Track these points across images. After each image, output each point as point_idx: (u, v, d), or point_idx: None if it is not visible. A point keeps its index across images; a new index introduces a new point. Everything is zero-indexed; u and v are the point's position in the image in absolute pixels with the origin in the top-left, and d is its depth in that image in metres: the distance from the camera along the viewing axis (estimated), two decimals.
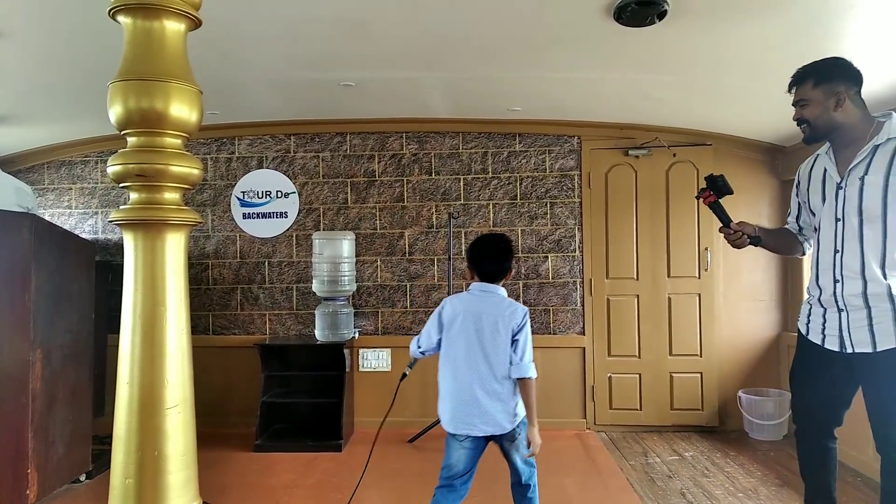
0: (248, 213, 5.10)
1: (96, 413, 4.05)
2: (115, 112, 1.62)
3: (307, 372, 4.88)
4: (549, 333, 4.92)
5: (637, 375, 4.92)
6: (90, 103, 3.95)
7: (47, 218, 4.95)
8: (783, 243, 2.77)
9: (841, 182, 2.37)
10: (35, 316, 3.28)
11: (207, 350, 4.95)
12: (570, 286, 4.94)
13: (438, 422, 4.50)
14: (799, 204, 2.65)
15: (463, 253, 4.95)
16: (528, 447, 2.63)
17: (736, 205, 4.76)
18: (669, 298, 4.90)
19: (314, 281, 4.78)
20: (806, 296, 2.60)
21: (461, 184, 5.01)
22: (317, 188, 5.08)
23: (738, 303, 4.89)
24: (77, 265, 3.72)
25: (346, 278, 4.77)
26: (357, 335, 4.94)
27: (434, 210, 5.01)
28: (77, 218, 5.19)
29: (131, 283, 1.65)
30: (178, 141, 1.68)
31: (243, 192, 5.10)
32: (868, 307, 2.30)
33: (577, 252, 4.95)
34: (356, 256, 4.96)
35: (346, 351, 4.68)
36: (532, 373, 2.58)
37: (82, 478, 3.78)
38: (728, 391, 4.85)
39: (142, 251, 1.65)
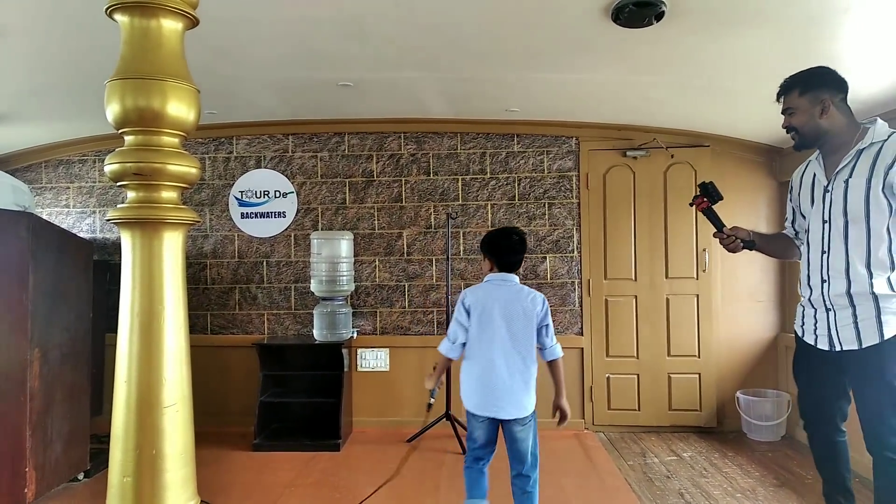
0: (247, 213, 5.10)
1: (94, 412, 4.05)
2: (112, 111, 1.62)
3: (305, 372, 4.88)
4: None
5: (635, 376, 4.93)
6: (88, 102, 3.95)
7: (45, 217, 4.95)
8: (778, 247, 2.85)
9: (828, 185, 2.47)
10: (33, 315, 3.28)
11: (206, 349, 4.95)
12: (568, 287, 4.94)
13: (437, 422, 4.54)
14: (793, 209, 2.73)
15: (462, 253, 4.95)
16: (561, 416, 2.87)
17: (734, 206, 4.82)
18: (668, 299, 4.91)
19: (312, 281, 4.78)
20: (801, 298, 2.66)
21: (459, 184, 5.01)
22: (315, 188, 5.08)
23: (736, 304, 4.90)
24: (75, 264, 3.72)
25: (344, 278, 4.77)
26: (355, 335, 4.94)
27: (432, 210, 5.01)
28: (75, 217, 5.19)
29: (129, 281, 1.65)
30: (176, 140, 1.68)
31: (241, 192, 5.10)
32: (853, 305, 2.38)
33: (576, 253, 4.95)
34: (354, 256, 4.96)
35: (344, 351, 4.68)
36: (561, 352, 2.87)
37: (80, 476, 3.78)
38: (726, 392, 4.86)
39: (139, 250, 1.65)
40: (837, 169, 2.44)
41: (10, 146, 5.10)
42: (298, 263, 5.07)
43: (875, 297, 2.34)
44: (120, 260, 1.70)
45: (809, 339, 2.56)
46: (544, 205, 4.96)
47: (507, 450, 2.83)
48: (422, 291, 5.01)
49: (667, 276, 4.91)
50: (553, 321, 4.92)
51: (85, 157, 5.20)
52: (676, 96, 4.05)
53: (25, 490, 3.20)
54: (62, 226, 4.90)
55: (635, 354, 4.93)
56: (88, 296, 3.84)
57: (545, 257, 4.95)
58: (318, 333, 4.75)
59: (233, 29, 3.01)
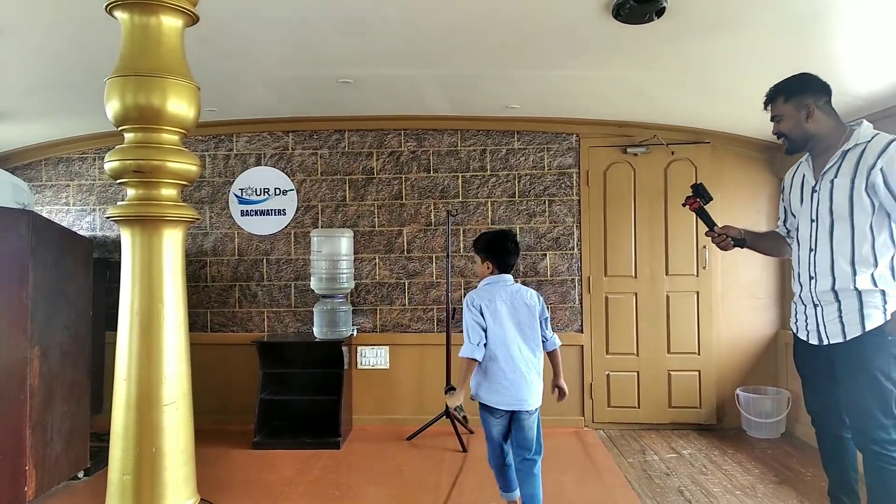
0: (247, 211, 5.09)
1: (95, 410, 4.05)
2: (112, 108, 1.62)
3: (305, 369, 4.88)
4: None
5: (635, 373, 4.93)
6: (88, 99, 3.94)
7: (45, 215, 4.95)
8: (769, 245, 2.98)
9: (816, 185, 2.57)
10: (33, 313, 3.28)
11: (206, 347, 4.95)
12: (568, 284, 4.94)
13: (437, 419, 4.54)
14: (784, 208, 2.84)
15: (462, 251, 4.95)
16: (560, 394, 3.11)
17: (735, 202, 4.83)
18: (668, 296, 4.91)
19: (312, 278, 4.78)
20: (794, 295, 2.77)
21: (459, 181, 5.00)
22: (315, 185, 5.08)
23: (736, 301, 4.89)
24: (75, 262, 3.72)
25: (344, 276, 4.77)
26: (355, 333, 4.94)
27: (432, 208, 5.01)
28: (75, 215, 5.19)
29: (129, 279, 1.65)
30: (176, 137, 1.68)
31: (241, 190, 5.10)
32: (838, 301, 2.49)
33: (576, 250, 4.95)
34: (354, 254, 4.96)
35: (344, 348, 4.68)
36: (560, 342, 3.10)
37: (80, 475, 3.78)
38: (726, 389, 4.86)
39: (139, 247, 1.65)
40: (824, 169, 2.54)
41: (9, 144, 5.09)
42: (298, 261, 5.07)
43: (858, 293, 2.44)
44: (120, 258, 1.70)
45: (802, 335, 2.67)
46: (544, 202, 4.96)
47: (514, 438, 2.96)
48: (422, 289, 5.01)
49: (667, 273, 4.90)
50: (553, 318, 4.98)
51: (85, 155, 5.20)
52: (677, 93, 4.05)
53: (25, 488, 3.20)
54: (62, 224, 4.91)
55: (635, 352, 4.93)
56: (88, 294, 3.84)
57: (545, 254, 4.95)
58: (318, 331, 4.74)
59: (233, 26, 3.01)
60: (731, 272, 4.87)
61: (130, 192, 1.67)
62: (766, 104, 2.66)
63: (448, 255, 4.69)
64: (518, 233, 4.94)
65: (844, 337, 2.47)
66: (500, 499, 3.30)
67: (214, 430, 4.73)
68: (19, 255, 3.25)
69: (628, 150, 4.92)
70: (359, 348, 4.99)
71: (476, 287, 3.06)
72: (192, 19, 1.71)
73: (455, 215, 4.90)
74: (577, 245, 4.95)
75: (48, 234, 3.48)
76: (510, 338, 2.89)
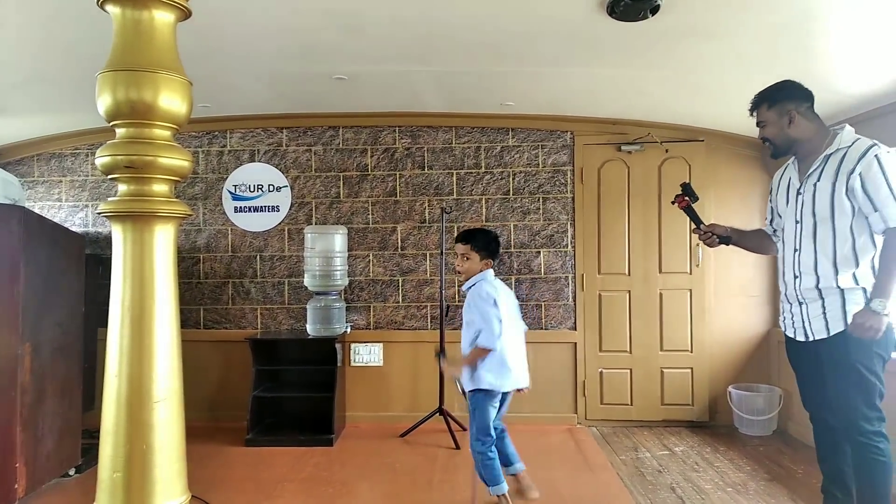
0: (240, 207, 5.07)
1: (87, 407, 4.03)
2: (103, 103, 1.61)
3: (299, 366, 4.87)
4: (541, 329, 4.93)
5: (628, 371, 4.94)
6: (80, 94, 3.91)
7: (37, 211, 4.92)
8: (754, 243, 3.10)
9: (800, 188, 2.70)
10: (24, 309, 3.26)
11: (198, 344, 4.93)
12: (562, 281, 4.95)
13: (430, 416, 4.55)
14: (772, 208, 2.96)
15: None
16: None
17: (728, 199, 4.85)
18: (661, 294, 4.92)
19: (306, 275, 4.77)
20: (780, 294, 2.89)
21: (454, 178, 5.00)
22: (309, 182, 5.06)
23: (728, 299, 4.91)
24: (67, 258, 3.70)
25: (338, 273, 4.76)
26: (349, 330, 4.94)
27: (427, 205, 5.00)
28: (67, 211, 5.16)
29: (120, 275, 1.64)
30: (168, 133, 1.67)
31: (235, 186, 5.08)
32: (822, 298, 2.61)
33: (570, 247, 4.95)
34: (348, 251, 4.95)
35: (337, 345, 4.67)
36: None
37: (72, 472, 3.76)
38: (718, 387, 4.87)
39: (130, 243, 1.64)
40: (808, 172, 2.66)
41: (1, 139, 5.05)
42: (292, 258, 5.05)
43: (841, 291, 2.55)
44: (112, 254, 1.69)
45: (790, 333, 2.79)
46: (539, 199, 4.96)
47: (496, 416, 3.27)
48: (416, 286, 5.00)
49: (660, 271, 4.91)
50: (547, 316, 5.00)
51: (77, 151, 5.17)
52: (671, 91, 4.05)
53: (15, 486, 3.18)
54: (54, 220, 4.87)
55: (628, 349, 4.94)
56: (80, 290, 3.82)
57: (539, 252, 4.95)
58: (311, 328, 4.73)
59: (226, 21, 2.99)
60: (724, 270, 4.89)
61: (122, 187, 1.66)
62: (750, 111, 2.77)
63: (442, 252, 4.68)
64: (512, 230, 4.95)
65: (828, 332, 2.58)
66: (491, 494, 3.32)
67: (207, 427, 4.72)
68: (10, 251, 3.23)
69: (622, 147, 4.92)
70: (352, 345, 4.98)
71: (469, 282, 3.25)
72: (185, 14, 1.70)
73: (449, 212, 4.90)
74: (571, 242, 4.95)
75: (40, 230, 3.46)
76: (511, 327, 3.20)
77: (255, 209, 5.07)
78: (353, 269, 5.01)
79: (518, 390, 3.25)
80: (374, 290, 5.02)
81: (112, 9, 1.62)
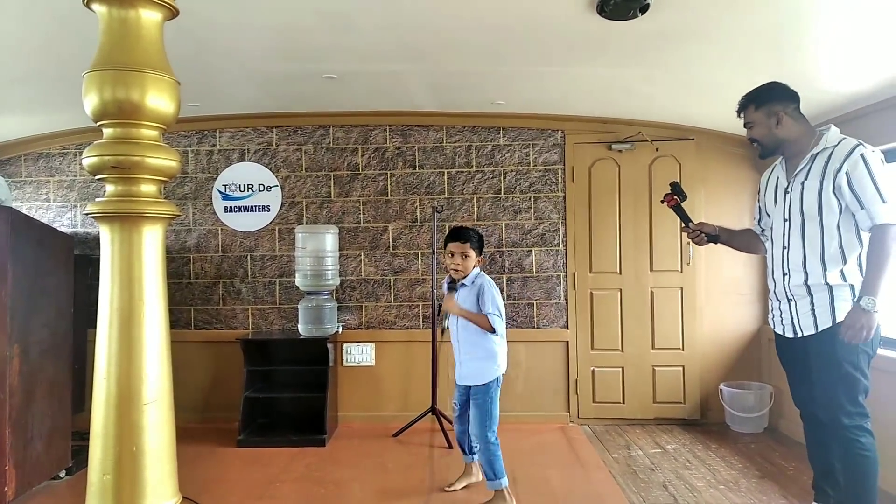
0: (230, 207, 5.05)
1: (77, 409, 4.01)
2: (90, 102, 1.60)
3: (290, 367, 4.85)
4: (533, 327, 4.93)
5: (620, 369, 4.95)
6: (68, 94, 3.87)
7: (24, 211, 4.88)
8: (743, 242, 3.14)
9: (788, 187, 2.76)
10: (12, 311, 3.23)
11: (189, 345, 4.91)
12: (553, 280, 4.95)
13: (423, 416, 4.54)
14: (760, 208, 3.01)
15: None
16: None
17: (718, 198, 4.86)
18: (652, 292, 4.93)
19: (297, 275, 4.75)
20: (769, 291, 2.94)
21: (445, 177, 5.00)
22: (299, 181, 5.04)
23: (719, 297, 4.93)
24: (55, 259, 3.67)
25: (329, 272, 4.74)
26: (340, 330, 4.92)
27: (418, 204, 5.00)
28: (55, 211, 5.12)
29: (108, 276, 1.63)
30: (156, 132, 1.66)
31: (225, 186, 5.05)
32: (810, 295, 2.66)
33: (561, 246, 4.96)
34: (339, 250, 4.93)
35: (329, 345, 4.66)
36: None
37: (62, 474, 3.74)
38: (710, 384, 4.89)
39: (118, 244, 1.63)
40: (796, 172, 2.73)
41: None
42: (283, 258, 5.04)
43: (829, 288, 2.60)
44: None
45: (779, 330, 2.85)
46: (530, 198, 4.96)
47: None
48: (407, 285, 5.00)
49: (651, 270, 4.93)
50: (539, 314, 5.00)
51: (66, 151, 5.13)
52: (661, 89, 4.06)
53: (5, 489, 3.16)
54: (42, 220, 4.83)
55: (620, 347, 4.95)
56: (69, 291, 3.80)
57: (531, 251, 4.96)
58: (302, 328, 4.72)
59: (215, 19, 2.97)
60: (715, 268, 4.90)
61: (109, 188, 1.65)
62: (738, 112, 2.84)
63: (434, 251, 4.68)
64: (503, 229, 4.96)
65: (816, 329, 2.63)
66: (484, 494, 3.31)
67: (198, 428, 4.70)
68: None
69: (613, 146, 4.93)
70: (344, 345, 4.97)
71: (469, 278, 3.30)
72: (172, 13, 1.69)
73: (440, 212, 4.89)
74: (563, 241, 4.96)
75: (27, 230, 3.43)
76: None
77: (246, 209, 5.04)
78: (344, 269, 4.99)
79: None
80: (366, 289, 5.01)
81: (98, 8, 1.61)
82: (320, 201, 5.03)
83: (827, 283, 2.60)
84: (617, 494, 3.50)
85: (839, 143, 2.63)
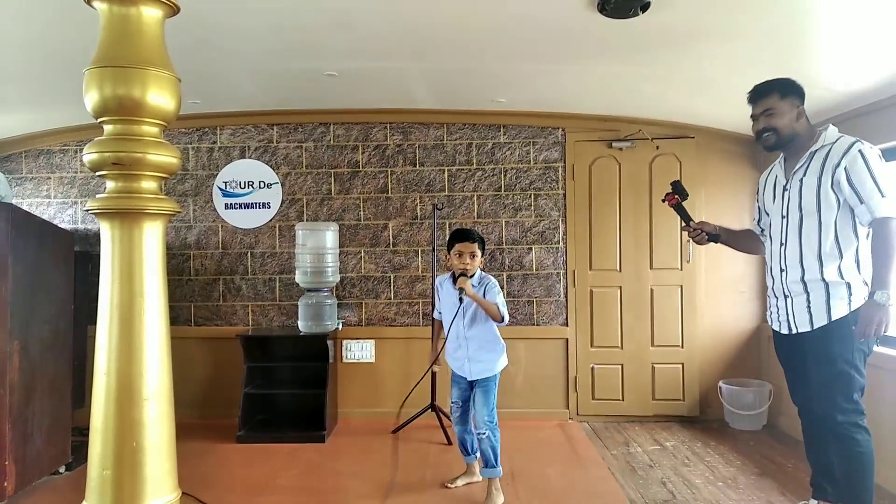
0: (231, 204, 5.05)
1: (77, 404, 4.01)
2: (91, 99, 1.60)
3: (290, 363, 4.86)
4: (533, 325, 4.94)
5: (619, 366, 4.96)
6: (68, 90, 3.87)
7: (25, 208, 4.88)
8: (743, 242, 3.17)
9: (786, 184, 2.80)
10: (12, 307, 3.24)
11: (189, 341, 4.92)
12: (553, 278, 4.96)
13: (422, 413, 4.55)
14: (759, 208, 3.04)
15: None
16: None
17: (718, 196, 4.87)
18: (652, 290, 4.93)
19: (297, 272, 4.76)
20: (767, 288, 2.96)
21: (445, 175, 5.00)
22: (300, 179, 5.05)
23: (719, 294, 4.93)
24: (56, 255, 3.67)
25: (329, 269, 4.75)
26: (340, 326, 4.93)
27: (418, 201, 5.00)
28: (56, 208, 5.12)
29: (108, 273, 1.64)
30: (156, 129, 1.66)
31: (225, 183, 5.06)
32: (807, 292, 2.68)
33: (561, 244, 4.96)
34: (340, 247, 4.93)
35: (329, 342, 4.67)
36: None
37: (62, 469, 3.75)
38: (709, 381, 4.90)
39: (119, 241, 1.63)
40: (794, 169, 2.76)
41: None
42: (283, 254, 5.04)
43: (826, 284, 2.63)
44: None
45: (776, 327, 2.87)
46: (530, 196, 4.97)
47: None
48: (407, 282, 5.00)
49: (651, 267, 4.93)
50: (538, 312, 5.01)
51: (66, 147, 5.13)
52: (662, 87, 4.06)
53: (5, 484, 3.16)
54: (43, 217, 4.84)
55: (619, 345, 4.96)
56: (70, 287, 3.80)
57: (531, 248, 4.96)
58: (302, 325, 4.73)
59: (216, 17, 2.97)
60: (715, 266, 4.91)
61: (110, 184, 1.65)
62: (755, 98, 2.78)
63: (434, 248, 4.68)
64: (504, 226, 4.96)
65: (812, 325, 2.66)
66: (481, 492, 3.33)
67: (198, 424, 4.71)
68: None
69: (613, 144, 4.93)
70: (344, 342, 4.98)
71: (475, 278, 3.36)
72: (174, 10, 1.69)
73: (441, 209, 4.90)
74: (563, 239, 4.96)
75: (28, 227, 3.44)
76: None
77: (246, 206, 5.05)
78: (344, 266, 5.00)
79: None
80: (366, 286, 5.02)
81: (99, 4, 1.61)
82: (321, 198, 5.04)
83: (823, 280, 2.62)
84: (615, 491, 3.51)
85: (837, 140, 2.66)
